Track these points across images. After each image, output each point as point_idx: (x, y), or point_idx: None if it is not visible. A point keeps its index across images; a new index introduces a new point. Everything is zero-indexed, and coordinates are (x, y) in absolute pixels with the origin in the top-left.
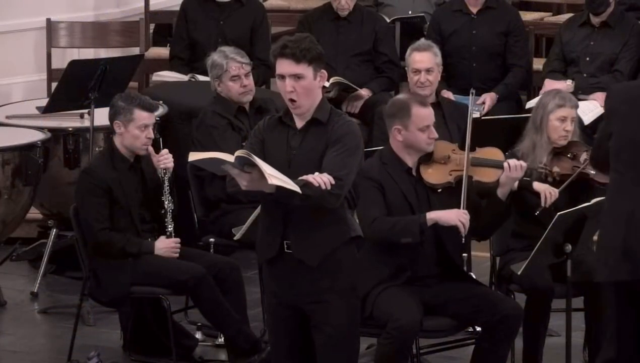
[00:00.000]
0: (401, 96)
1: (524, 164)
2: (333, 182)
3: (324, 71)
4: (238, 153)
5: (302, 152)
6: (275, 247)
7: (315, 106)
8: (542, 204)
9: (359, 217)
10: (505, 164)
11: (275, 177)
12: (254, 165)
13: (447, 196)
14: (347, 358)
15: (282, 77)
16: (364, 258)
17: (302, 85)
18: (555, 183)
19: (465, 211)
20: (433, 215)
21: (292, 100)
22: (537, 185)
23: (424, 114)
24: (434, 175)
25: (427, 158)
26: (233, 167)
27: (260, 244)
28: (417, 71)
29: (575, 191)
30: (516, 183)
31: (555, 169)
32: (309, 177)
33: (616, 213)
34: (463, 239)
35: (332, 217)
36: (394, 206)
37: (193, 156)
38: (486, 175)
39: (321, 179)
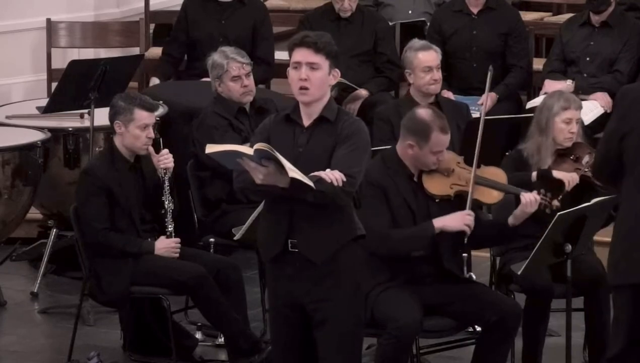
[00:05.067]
0: (424, 114)
1: (537, 197)
2: (345, 179)
3: (337, 70)
4: (258, 146)
5: (309, 150)
6: (279, 245)
7: (323, 104)
8: (567, 188)
9: (365, 227)
10: (522, 199)
11: (294, 172)
12: (271, 159)
13: (445, 207)
14: (349, 357)
15: (297, 66)
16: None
17: (317, 76)
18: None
19: (470, 211)
20: (439, 224)
21: (302, 88)
22: (557, 173)
23: (442, 141)
24: (435, 186)
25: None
26: (251, 160)
27: (264, 242)
28: (429, 69)
29: (576, 191)
30: (534, 174)
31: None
32: (322, 173)
33: (636, 214)
34: (465, 240)
35: (339, 215)
36: (396, 211)
37: (210, 148)
38: (486, 196)
39: (333, 176)
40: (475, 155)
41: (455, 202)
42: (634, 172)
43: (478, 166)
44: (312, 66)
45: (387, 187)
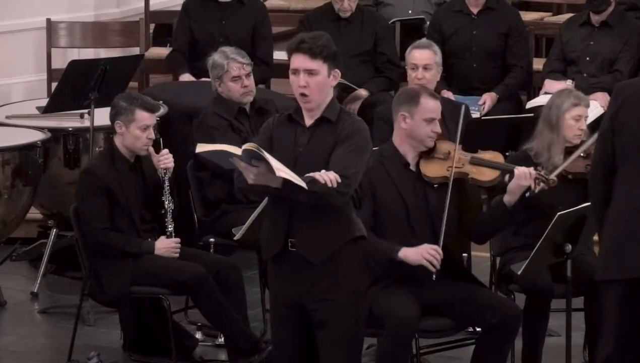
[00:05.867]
0: (411, 86)
1: (532, 171)
2: (339, 180)
3: (337, 71)
4: (246, 146)
5: (309, 150)
6: (279, 244)
7: (325, 105)
8: (533, 188)
9: None
10: (515, 171)
11: (283, 171)
12: (262, 159)
13: (444, 193)
14: (349, 358)
15: (296, 71)
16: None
17: (316, 82)
18: (566, 182)
19: (436, 247)
20: (402, 254)
21: (303, 95)
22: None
23: (432, 106)
24: (431, 169)
25: (428, 152)
26: (240, 160)
27: (265, 241)
28: (415, 67)
29: (578, 191)
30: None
31: (552, 178)
32: (316, 174)
33: (628, 209)
34: (433, 276)
35: (338, 216)
36: (386, 202)
37: (200, 148)
38: (483, 175)
39: (327, 177)
40: (458, 133)
41: (454, 188)
42: (626, 168)
43: (475, 151)
44: (310, 72)
45: (376, 177)
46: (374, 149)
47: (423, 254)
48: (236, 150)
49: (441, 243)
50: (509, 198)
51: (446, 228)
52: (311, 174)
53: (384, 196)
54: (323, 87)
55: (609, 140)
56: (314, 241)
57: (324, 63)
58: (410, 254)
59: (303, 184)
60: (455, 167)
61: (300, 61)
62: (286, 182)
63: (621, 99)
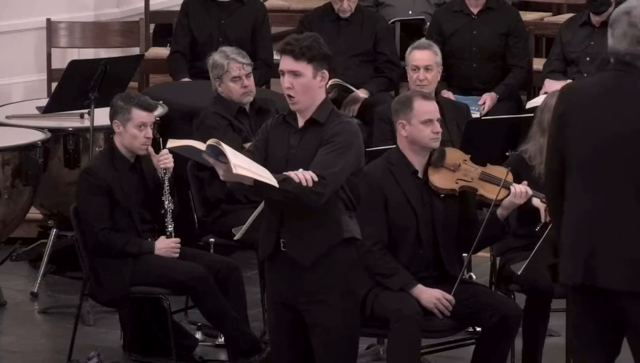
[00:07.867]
0: (406, 92)
1: (529, 191)
2: (315, 179)
3: (325, 72)
4: (209, 142)
5: (300, 152)
6: (271, 245)
7: (315, 106)
8: (542, 220)
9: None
10: (512, 189)
11: (242, 168)
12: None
13: (450, 204)
14: (343, 359)
15: (282, 73)
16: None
17: (300, 83)
18: None
19: (450, 297)
20: (416, 292)
21: (289, 96)
22: (536, 202)
23: (427, 108)
24: (440, 179)
25: (438, 161)
26: (208, 156)
27: (261, 241)
28: (416, 68)
29: None
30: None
31: None
32: (291, 173)
33: (572, 217)
34: (441, 321)
35: (325, 217)
36: (397, 212)
37: (171, 143)
38: (491, 192)
39: (303, 176)
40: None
41: (460, 201)
42: (571, 180)
43: (484, 164)
44: (294, 73)
45: (385, 185)
46: (374, 149)
47: (436, 304)
48: (203, 146)
49: (472, 249)
50: (501, 212)
51: (446, 239)
52: (287, 173)
53: (395, 207)
54: (308, 88)
55: (558, 149)
56: (302, 242)
57: (308, 64)
58: (425, 296)
59: (272, 182)
60: (464, 181)
61: (285, 63)
62: (257, 179)
63: (564, 106)
